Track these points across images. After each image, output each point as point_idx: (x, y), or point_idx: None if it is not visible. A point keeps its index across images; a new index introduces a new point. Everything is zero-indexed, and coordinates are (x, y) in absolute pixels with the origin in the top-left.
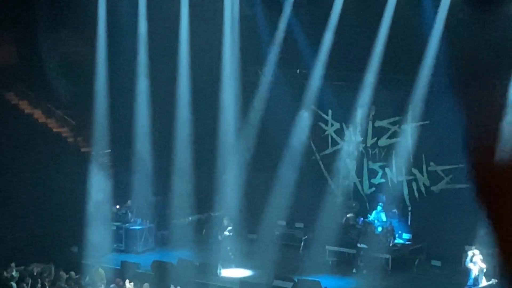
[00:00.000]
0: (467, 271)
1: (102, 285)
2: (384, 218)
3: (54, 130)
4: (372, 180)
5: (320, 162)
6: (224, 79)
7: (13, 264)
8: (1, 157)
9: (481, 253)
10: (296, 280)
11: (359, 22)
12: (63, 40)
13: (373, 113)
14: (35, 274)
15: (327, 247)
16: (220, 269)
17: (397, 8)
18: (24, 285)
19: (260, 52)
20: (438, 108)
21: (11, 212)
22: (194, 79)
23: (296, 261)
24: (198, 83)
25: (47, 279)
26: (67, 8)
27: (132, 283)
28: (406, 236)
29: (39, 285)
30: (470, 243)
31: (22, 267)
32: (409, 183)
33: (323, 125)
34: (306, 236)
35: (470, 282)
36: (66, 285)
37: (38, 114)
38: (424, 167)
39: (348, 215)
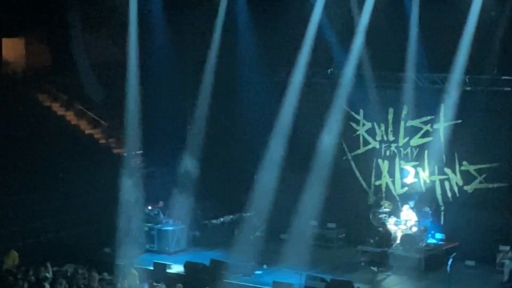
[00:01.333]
0: (503, 268)
1: (135, 286)
2: (416, 218)
3: (86, 131)
4: (404, 180)
5: (352, 162)
6: (256, 79)
7: (49, 264)
8: (34, 158)
9: None
10: (329, 280)
11: (390, 21)
12: (95, 41)
13: (405, 112)
14: (68, 275)
15: (359, 247)
16: (252, 270)
17: (425, 7)
18: (58, 285)
19: (290, 52)
20: (470, 107)
21: (44, 213)
22: (223, 81)
23: (328, 261)
24: (227, 84)
25: (80, 280)
26: (99, 10)
27: (164, 285)
28: (439, 236)
29: (74, 287)
30: (504, 243)
31: (56, 268)
32: (441, 182)
33: (354, 125)
34: (338, 236)
35: (505, 278)
36: (99, 286)
37: (70, 115)
38: (457, 166)
39: (380, 215)
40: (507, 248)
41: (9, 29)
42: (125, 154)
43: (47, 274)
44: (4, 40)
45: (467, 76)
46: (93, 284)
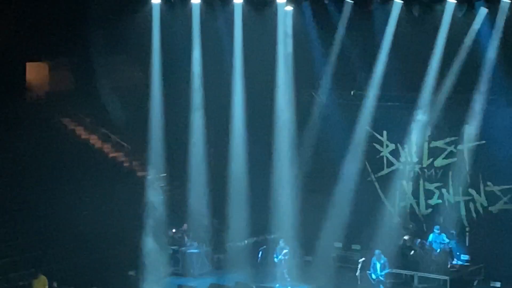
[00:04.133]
0: None
1: None
2: (445, 240)
3: (110, 155)
4: (429, 201)
5: (376, 183)
6: (279, 103)
7: None
8: (58, 183)
9: None
10: None
11: (413, 42)
12: (118, 65)
13: (428, 133)
14: None
15: None
16: None
17: (451, 29)
18: None
19: (314, 74)
20: (494, 127)
21: (69, 238)
22: (248, 103)
23: (353, 283)
24: (252, 106)
25: None
26: (121, 35)
27: None
28: (464, 257)
29: None
30: None
31: None
32: (466, 203)
33: (378, 146)
34: (363, 258)
35: None
36: None
37: (94, 139)
38: (482, 187)
39: (405, 237)
40: None
41: (33, 54)
42: (149, 177)
43: None
44: (28, 64)
45: (491, 97)
46: None
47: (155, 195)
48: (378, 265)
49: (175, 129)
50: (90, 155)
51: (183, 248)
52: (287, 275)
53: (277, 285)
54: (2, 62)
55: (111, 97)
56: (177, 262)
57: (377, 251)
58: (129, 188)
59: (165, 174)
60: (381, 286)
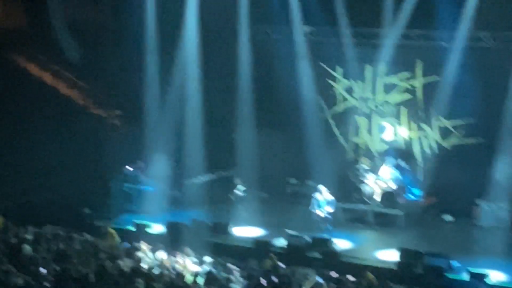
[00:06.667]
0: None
1: (116, 246)
2: (399, 176)
3: (63, 92)
4: (383, 137)
5: (330, 119)
6: (236, 40)
7: (30, 228)
8: (11, 121)
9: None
10: (309, 238)
11: None
12: (71, 2)
13: (382, 69)
14: (48, 237)
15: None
16: (232, 228)
17: None
18: (39, 247)
19: (269, 9)
20: (447, 62)
21: (24, 176)
22: (204, 38)
23: (308, 219)
24: (208, 42)
25: (60, 242)
26: None
27: (148, 245)
28: (417, 192)
29: (54, 248)
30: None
31: (36, 230)
32: (420, 139)
33: (331, 82)
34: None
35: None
36: (79, 247)
37: (47, 76)
38: (435, 122)
39: (359, 173)
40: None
41: None
42: (104, 115)
43: (27, 236)
44: None
45: (446, 33)
46: (74, 245)
47: (110, 132)
48: (323, 203)
49: (130, 66)
50: (43, 92)
51: (139, 186)
52: (244, 212)
53: (233, 221)
54: None
55: (65, 34)
56: (132, 200)
57: (320, 187)
58: (84, 126)
59: (121, 112)
60: (328, 224)
